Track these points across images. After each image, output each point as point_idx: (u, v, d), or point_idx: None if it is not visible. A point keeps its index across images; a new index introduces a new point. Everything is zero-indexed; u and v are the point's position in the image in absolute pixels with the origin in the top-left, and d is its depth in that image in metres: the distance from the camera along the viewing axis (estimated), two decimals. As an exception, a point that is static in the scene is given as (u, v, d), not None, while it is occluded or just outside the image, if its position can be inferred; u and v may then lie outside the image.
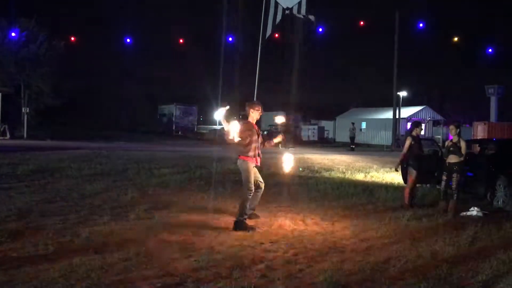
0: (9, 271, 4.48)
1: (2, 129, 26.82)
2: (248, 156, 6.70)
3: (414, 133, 9.07)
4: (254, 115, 6.96)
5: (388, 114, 38.60)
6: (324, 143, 39.96)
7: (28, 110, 28.68)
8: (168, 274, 4.60)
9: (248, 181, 6.69)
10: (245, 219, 6.65)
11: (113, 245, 5.37)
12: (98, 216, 6.91)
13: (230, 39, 29.83)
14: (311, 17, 13.91)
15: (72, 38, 31.59)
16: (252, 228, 6.50)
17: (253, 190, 6.77)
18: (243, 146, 6.74)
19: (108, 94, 50.22)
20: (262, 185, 7.10)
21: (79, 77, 36.84)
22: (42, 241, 5.45)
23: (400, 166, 9.48)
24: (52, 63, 30.80)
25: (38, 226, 6.17)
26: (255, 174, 6.87)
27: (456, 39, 34.48)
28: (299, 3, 14.06)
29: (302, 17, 14.14)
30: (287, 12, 14.31)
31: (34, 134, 27.55)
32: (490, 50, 35.01)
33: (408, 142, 8.99)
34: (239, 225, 6.49)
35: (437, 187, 10.01)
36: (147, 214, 7.23)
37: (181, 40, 31.36)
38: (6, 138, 26.26)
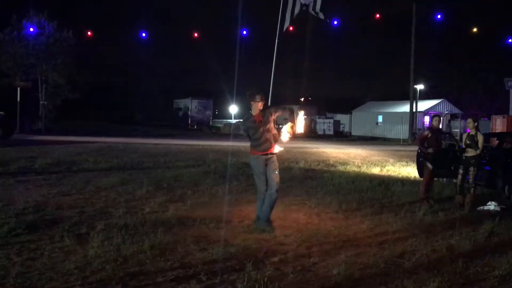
0: (26, 262, 4.55)
1: (20, 123, 27.21)
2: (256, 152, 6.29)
3: (433, 123, 8.98)
4: (255, 106, 6.29)
5: (405, 108, 38.25)
6: (340, 137, 39.75)
7: (45, 104, 29.05)
8: (182, 267, 4.63)
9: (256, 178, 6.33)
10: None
11: (127, 238, 5.42)
12: (113, 209, 6.97)
13: (245, 32, 29.74)
14: (322, 16, 13.95)
15: (89, 33, 31.80)
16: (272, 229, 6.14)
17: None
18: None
19: (124, 88, 50.68)
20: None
21: (95, 72, 37.21)
22: (58, 233, 5.52)
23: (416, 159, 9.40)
24: (65, 55, 31.05)
25: (54, 219, 6.26)
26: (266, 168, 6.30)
27: (475, 30, 33.89)
28: (314, 2, 14.06)
29: (315, 14, 14.16)
30: (304, 8, 14.32)
31: (51, 128, 27.91)
32: (510, 40, 34.31)
33: (426, 132, 8.97)
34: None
35: (454, 181, 9.90)
36: (162, 207, 7.28)
37: (195, 34, 31.36)
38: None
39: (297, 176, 11.60)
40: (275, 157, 6.33)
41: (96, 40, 34.08)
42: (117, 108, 49.72)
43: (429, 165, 8.77)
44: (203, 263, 4.74)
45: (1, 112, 19.62)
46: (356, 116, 46.05)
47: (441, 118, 9.69)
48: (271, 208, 6.22)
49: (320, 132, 39.17)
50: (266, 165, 6.24)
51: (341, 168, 14.02)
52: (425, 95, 41.40)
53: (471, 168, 8.46)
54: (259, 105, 6.25)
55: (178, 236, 5.66)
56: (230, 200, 8.01)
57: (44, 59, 30.41)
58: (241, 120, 6.54)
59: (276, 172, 6.26)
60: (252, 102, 6.28)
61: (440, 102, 41.63)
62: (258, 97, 6.24)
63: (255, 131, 6.22)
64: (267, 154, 6.23)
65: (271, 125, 6.29)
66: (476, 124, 8.65)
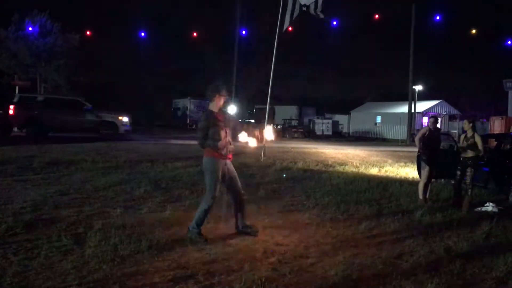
0: (23, 261, 4.55)
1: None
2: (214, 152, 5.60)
3: (430, 126, 9.00)
4: (220, 101, 5.75)
5: (403, 108, 38.29)
6: (338, 137, 39.76)
7: (44, 104, 29.00)
8: (179, 267, 4.63)
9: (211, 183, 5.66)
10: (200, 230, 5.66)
11: (125, 238, 5.41)
12: (111, 209, 6.96)
13: (244, 32, 29.77)
14: (325, 17, 13.93)
15: (88, 32, 31.81)
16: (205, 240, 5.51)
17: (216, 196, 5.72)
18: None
19: (123, 88, 50.55)
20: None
21: (94, 71, 37.15)
22: (56, 232, 5.51)
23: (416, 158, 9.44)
24: (67, 56, 31.05)
25: (52, 218, 6.24)
26: (228, 174, 5.80)
27: (474, 31, 33.94)
28: (315, 2, 14.10)
29: (315, 15, 14.18)
30: (304, 9, 14.36)
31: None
32: (509, 42, 34.41)
33: (424, 129, 9.02)
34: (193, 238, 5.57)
35: (452, 182, 9.91)
36: (159, 207, 7.27)
37: (194, 34, 31.39)
38: (23, 131, 26.57)
39: (296, 176, 11.59)
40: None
41: (95, 40, 34.07)
42: (116, 108, 49.54)
43: (426, 166, 8.79)
44: (200, 263, 4.74)
45: (0, 111, 19.61)
46: (354, 116, 46.08)
47: (438, 119, 9.72)
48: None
49: (319, 133, 39.20)
50: (224, 170, 5.70)
51: (339, 168, 14.02)
52: (423, 96, 41.41)
53: (469, 169, 8.47)
54: (222, 101, 5.73)
55: (175, 236, 5.66)
56: (228, 201, 7.98)
57: (46, 59, 30.40)
58: (202, 116, 5.72)
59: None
60: (217, 96, 5.67)
61: (438, 103, 41.66)
62: (224, 91, 5.74)
63: (218, 130, 5.58)
64: (225, 159, 5.71)
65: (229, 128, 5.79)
66: (471, 125, 8.67)
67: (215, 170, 5.59)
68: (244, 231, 5.91)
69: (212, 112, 5.66)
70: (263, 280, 4.31)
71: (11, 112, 21.27)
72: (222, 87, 5.76)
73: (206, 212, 5.66)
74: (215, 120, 5.60)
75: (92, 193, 8.16)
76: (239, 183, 5.98)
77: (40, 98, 22.50)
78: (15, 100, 21.81)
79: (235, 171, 5.94)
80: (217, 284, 4.27)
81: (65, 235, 5.42)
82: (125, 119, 23.17)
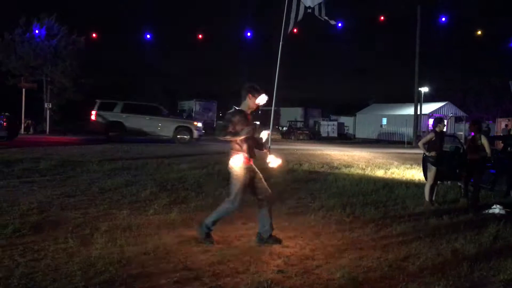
0: (30, 263, 4.56)
1: (25, 125, 27.34)
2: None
3: (437, 129, 8.94)
4: (251, 102, 5.47)
5: (409, 110, 38.15)
6: (344, 139, 39.69)
7: (50, 106, 29.14)
8: (185, 269, 4.62)
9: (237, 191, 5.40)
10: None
11: (131, 239, 5.42)
12: (117, 211, 6.97)
13: (249, 34, 29.79)
14: (332, 22, 13.96)
15: (94, 35, 31.91)
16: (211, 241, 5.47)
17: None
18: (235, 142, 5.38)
19: (129, 90, 50.77)
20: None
21: (100, 73, 37.26)
22: (62, 234, 5.53)
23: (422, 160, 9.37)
24: (73, 58, 31.15)
25: (58, 220, 6.26)
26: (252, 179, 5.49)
27: (479, 32, 33.77)
28: (320, 5, 14.10)
29: (322, 19, 14.18)
30: (309, 11, 14.36)
31: (56, 129, 27.97)
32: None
33: (430, 135, 8.91)
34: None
35: (459, 184, 9.86)
36: (165, 209, 7.28)
37: (200, 36, 31.42)
38: (29, 133, 26.76)
39: (301, 178, 11.58)
40: None
41: (100, 42, 34.18)
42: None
43: (433, 168, 8.74)
44: (206, 265, 4.73)
45: (6, 113, 19.74)
46: (360, 118, 46.00)
47: (444, 121, 9.65)
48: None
49: (324, 135, 39.17)
50: (251, 176, 5.45)
51: (345, 170, 13.99)
52: (429, 98, 41.26)
53: (476, 171, 8.43)
54: (255, 104, 5.45)
55: (181, 238, 5.66)
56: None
57: (52, 61, 30.51)
58: (229, 113, 5.39)
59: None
60: (250, 96, 5.42)
61: (444, 105, 41.51)
62: (260, 94, 5.40)
63: (251, 130, 5.32)
64: (252, 164, 5.47)
65: None
66: (476, 126, 8.63)
67: (243, 177, 5.36)
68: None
69: (242, 111, 5.41)
70: (269, 282, 4.30)
71: (92, 117, 21.97)
72: (260, 89, 5.42)
73: (224, 215, 5.58)
74: (247, 120, 5.34)
75: (98, 195, 8.19)
76: (265, 185, 5.62)
77: (120, 103, 23.14)
78: (96, 106, 22.50)
79: (260, 174, 5.61)
80: (223, 286, 4.26)
81: (72, 236, 5.43)
82: (199, 124, 24.12)
